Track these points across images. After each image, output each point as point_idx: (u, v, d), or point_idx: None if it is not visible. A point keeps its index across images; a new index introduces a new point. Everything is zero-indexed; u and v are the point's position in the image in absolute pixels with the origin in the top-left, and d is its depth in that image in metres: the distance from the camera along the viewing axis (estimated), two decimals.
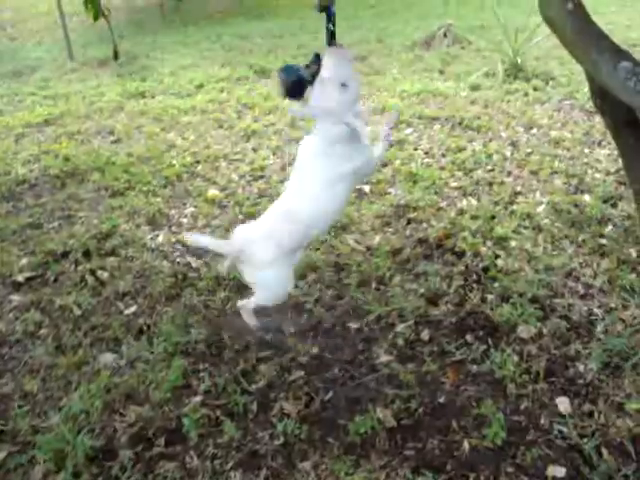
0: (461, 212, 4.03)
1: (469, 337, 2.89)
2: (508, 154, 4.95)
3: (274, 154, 5.20)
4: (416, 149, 5.17)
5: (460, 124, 5.70)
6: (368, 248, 3.67)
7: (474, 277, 3.34)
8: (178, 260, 3.69)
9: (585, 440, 2.31)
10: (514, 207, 4.03)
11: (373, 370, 2.73)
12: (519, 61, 7.08)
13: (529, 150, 5.00)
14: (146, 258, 3.69)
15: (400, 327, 2.98)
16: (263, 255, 2.63)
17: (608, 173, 4.47)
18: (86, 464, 2.34)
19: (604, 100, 2.67)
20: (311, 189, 2.60)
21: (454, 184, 4.46)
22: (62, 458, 2.36)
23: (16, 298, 3.41)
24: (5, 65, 9.12)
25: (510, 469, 2.23)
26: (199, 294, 3.32)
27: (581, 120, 5.65)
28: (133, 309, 3.26)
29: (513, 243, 3.62)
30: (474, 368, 2.70)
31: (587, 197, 4.10)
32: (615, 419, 2.39)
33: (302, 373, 2.73)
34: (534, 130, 5.48)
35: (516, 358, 2.71)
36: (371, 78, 7.51)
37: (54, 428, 2.49)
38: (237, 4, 14.18)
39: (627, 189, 3.91)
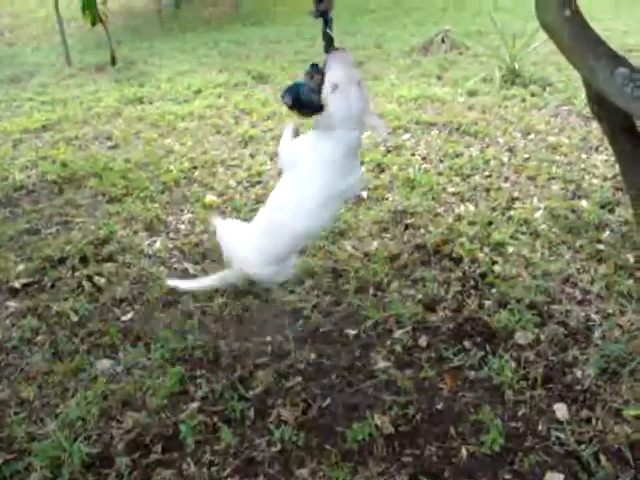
0: (459, 218, 4.03)
1: (467, 343, 2.89)
2: (505, 160, 4.96)
3: (271, 160, 5.19)
4: (414, 154, 5.17)
5: (458, 130, 5.70)
6: (366, 254, 3.66)
7: (471, 283, 3.34)
8: (175, 266, 3.68)
9: (583, 446, 2.30)
10: (511, 213, 4.03)
11: (371, 376, 2.73)
12: (516, 67, 7.10)
13: (526, 156, 5.01)
14: (143, 264, 3.68)
15: (398, 333, 2.97)
16: (258, 270, 2.63)
17: (605, 179, 4.48)
18: (82, 471, 2.33)
19: (601, 106, 2.67)
20: (312, 205, 2.46)
21: (452, 190, 4.46)
22: (58, 465, 2.35)
23: (13, 304, 3.40)
24: (3, 70, 9.12)
25: (508, 476, 2.22)
26: (196, 300, 3.31)
27: (578, 126, 5.66)
28: (130, 315, 3.25)
29: (510, 249, 3.62)
30: (472, 374, 2.70)
31: (584, 203, 4.11)
32: (613, 425, 2.39)
33: (300, 379, 2.73)
34: (531, 136, 5.49)
35: (514, 364, 2.71)
36: (369, 83, 7.51)
37: (50, 435, 2.48)
38: (234, 11, 14.20)
39: (624, 195, 3.91)
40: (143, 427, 2.52)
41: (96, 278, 3.57)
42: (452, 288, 3.29)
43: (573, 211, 4.00)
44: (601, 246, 3.58)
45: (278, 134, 5.70)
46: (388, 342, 2.92)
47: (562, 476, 2.21)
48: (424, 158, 5.09)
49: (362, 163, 4.96)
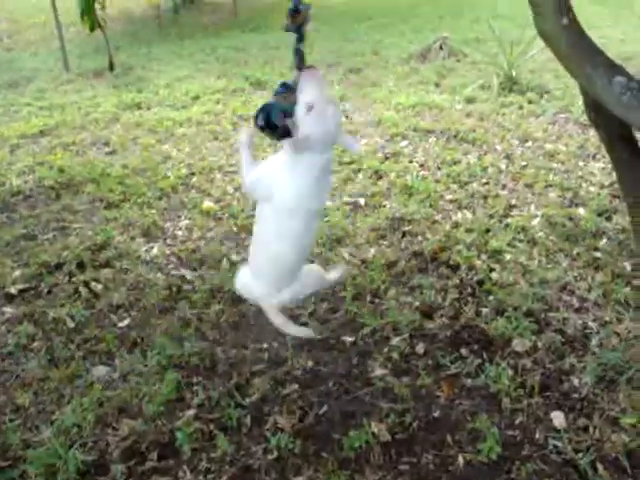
0: (456, 225, 4.04)
1: (464, 351, 2.89)
2: (503, 167, 4.97)
3: None
4: (411, 162, 5.18)
5: (455, 137, 5.71)
6: (363, 261, 3.66)
7: (469, 290, 3.34)
8: (172, 272, 3.68)
9: (580, 455, 2.30)
10: (509, 220, 4.04)
11: (368, 384, 2.72)
12: (514, 74, 7.11)
13: (524, 163, 5.02)
14: (140, 270, 3.68)
15: (395, 340, 2.97)
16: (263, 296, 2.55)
17: (602, 186, 4.49)
18: (78, 479, 2.32)
19: (598, 114, 2.68)
20: (301, 232, 2.37)
21: (449, 197, 4.46)
22: (53, 473, 2.34)
23: (9, 310, 3.39)
24: (1, 75, 9.11)
25: None
26: (193, 307, 3.30)
27: (576, 133, 5.67)
28: (127, 322, 3.25)
29: (508, 256, 3.62)
30: (469, 382, 2.70)
31: (582, 210, 4.12)
32: (610, 434, 2.38)
33: (296, 387, 2.72)
34: (529, 143, 5.50)
35: (511, 372, 2.71)
36: (367, 90, 7.53)
37: (46, 442, 2.47)
38: (232, 17, 14.22)
39: (621, 202, 3.91)
40: (139, 434, 2.51)
41: (93, 284, 3.56)
42: (449, 295, 3.29)
43: (570, 219, 4.01)
44: (598, 254, 3.59)
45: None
46: (385, 349, 2.92)
47: None
48: (422, 165, 5.10)
49: (360, 170, 4.98)
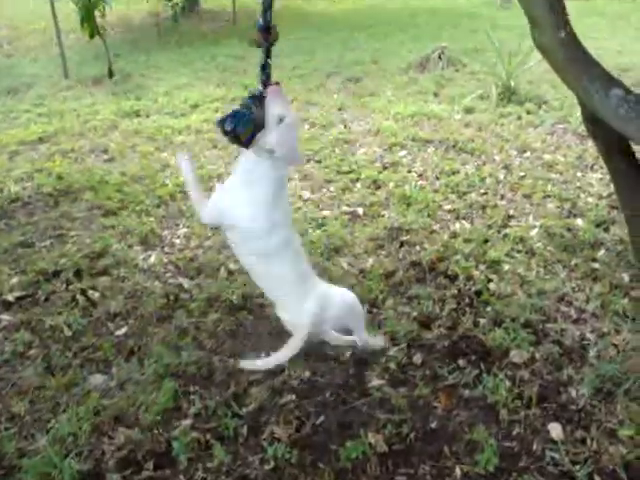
0: (454, 235, 4.04)
1: (461, 361, 2.88)
2: (501, 177, 4.98)
3: None
4: (410, 171, 5.18)
5: (454, 147, 5.72)
6: (361, 271, 3.66)
7: (467, 301, 3.34)
8: (170, 281, 3.67)
9: (577, 467, 2.30)
10: (507, 231, 4.04)
11: (365, 394, 2.72)
12: (512, 84, 7.14)
13: (522, 173, 5.03)
14: (138, 279, 3.67)
15: (392, 351, 2.96)
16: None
17: (600, 197, 4.50)
18: None
19: (596, 125, 2.69)
20: (272, 249, 2.46)
21: (447, 207, 4.47)
22: None
23: (6, 318, 3.38)
24: (1, 82, 9.11)
25: None
26: (190, 315, 3.30)
27: (574, 144, 5.69)
28: (124, 330, 3.24)
29: (506, 267, 3.62)
30: (466, 393, 2.69)
31: (580, 221, 4.12)
32: (608, 446, 2.38)
33: (293, 397, 2.71)
34: (527, 153, 5.51)
35: (508, 383, 2.70)
36: (366, 100, 7.55)
37: (41, 451, 2.46)
38: (231, 25, 14.25)
39: (619, 213, 3.92)
40: (135, 443, 2.49)
41: (90, 292, 3.55)
42: (447, 306, 3.29)
43: (568, 229, 4.01)
44: (596, 265, 3.59)
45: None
46: (382, 360, 2.91)
47: None
48: (420, 175, 5.11)
49: (358, 179, 4.99)
